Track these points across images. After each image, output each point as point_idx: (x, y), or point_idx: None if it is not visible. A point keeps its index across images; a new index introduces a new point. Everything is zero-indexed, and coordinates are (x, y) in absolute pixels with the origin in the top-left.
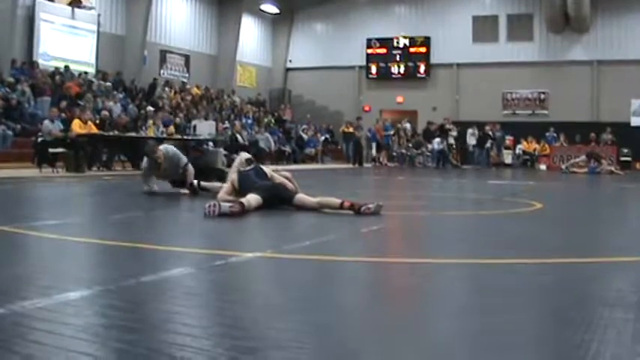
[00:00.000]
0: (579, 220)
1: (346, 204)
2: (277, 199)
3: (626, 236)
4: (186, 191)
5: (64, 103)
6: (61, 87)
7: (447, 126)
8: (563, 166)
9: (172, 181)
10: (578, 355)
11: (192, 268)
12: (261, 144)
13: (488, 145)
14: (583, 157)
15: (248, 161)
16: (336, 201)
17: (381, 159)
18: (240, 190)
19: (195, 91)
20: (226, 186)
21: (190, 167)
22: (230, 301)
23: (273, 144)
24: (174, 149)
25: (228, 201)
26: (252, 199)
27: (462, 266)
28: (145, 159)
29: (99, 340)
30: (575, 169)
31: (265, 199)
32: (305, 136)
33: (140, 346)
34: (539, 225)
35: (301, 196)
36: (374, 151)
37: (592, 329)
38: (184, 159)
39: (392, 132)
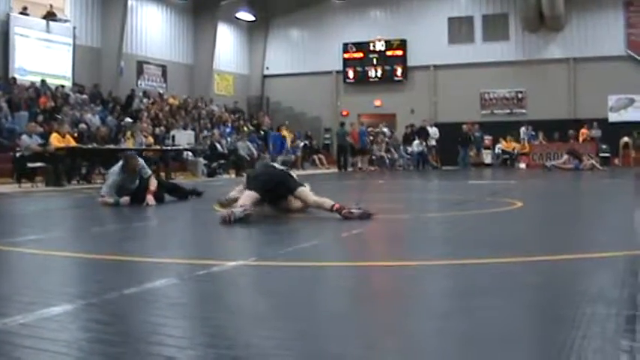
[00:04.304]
0: (559, 217)
1: (336, 206)
2: (280, 188)
3: (606, 232)
4: (152, 202)
5: (40, 118)
6: (37, 101)
7: (427, 128)
8: (548, 164)
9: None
10: (563, 351)
11: (176, 279)
12: (242, 152)
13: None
14: (565, 156)
15: None
16: (329, 203)
17: (359, 164)
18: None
19: (172, 101)
20: (232, 194)
21: (154, 178)
22: (214, 311)
23: (254, 152)
24: (142, 160)
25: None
26: (246, 198)
27: (443, 268)
28: (116, 169)
29: (83, 355)
30: (561, 166)
31: (265, 188)
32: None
33: (125, 359)
34: (520, 223)
35: (305, 190)
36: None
37: (576, 325)
38: (149, 171)
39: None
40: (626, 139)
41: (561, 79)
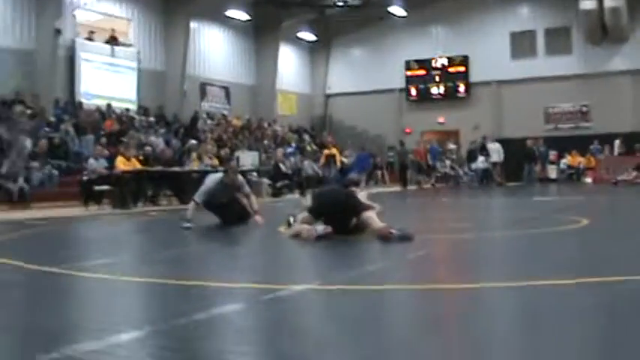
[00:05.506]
0: (626, 235)
1: (382, 232)
2: (342, 206)
3: None
4: (261, 222)
5: (103, 140)
6: (103, 125)
7: (488, 144)
8: (619, 178)
9: (210, 208)
10: None
11: (243, 304)
12: (309, 171)
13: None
14: (634, 173)
15: None
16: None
17: (422, 181)
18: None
19: (235, 122)
20: (302, 215)
21: (254, 197)
22: (280, 337)
23: (319, 171)
24: (242, 178)
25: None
26: (302, 220)
27: (507, 290)
28: (215, 178)
29: None
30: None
31: (324, 211)
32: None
33: None
34: (585, 242)
35: (372, 215)
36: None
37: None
38: (248, 188)
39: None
40: None
41: (626, 91)
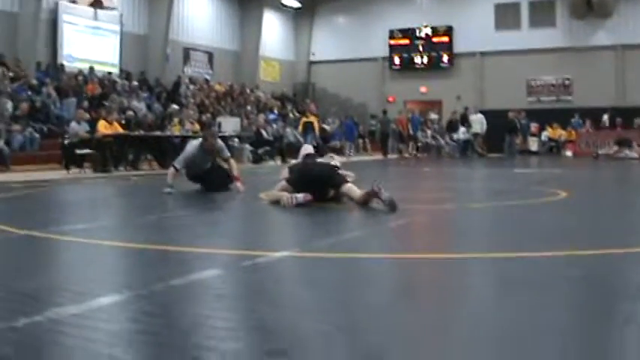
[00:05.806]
0: (604, 208)
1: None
2: (323, 180)
3: None
4: (242, 188)
5: (85, 104)
6: (85, 88)
7: (471, 116)
8: (600, 152)
9: (194, 178)
10: (597, 346)
11: (221, 270)
12: (291, 139)
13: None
14: (615, 147)
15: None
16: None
17: (403, 150)
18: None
19: (218, 87)
20: (281, 184)
21: (234, 162)
22: (258, 303)
23: (300, 138)
24: (221, 142)
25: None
26: (279, 188)
27: (489, 261)
28: (195, 143)
29: (131, 346)
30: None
31: (303, 181)
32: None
33: (171, 350)
34: (564, 215)
35: (351, 186)
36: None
37: (612, 322)
38: (228, 153)
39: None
40: None
41: (609, 66)
